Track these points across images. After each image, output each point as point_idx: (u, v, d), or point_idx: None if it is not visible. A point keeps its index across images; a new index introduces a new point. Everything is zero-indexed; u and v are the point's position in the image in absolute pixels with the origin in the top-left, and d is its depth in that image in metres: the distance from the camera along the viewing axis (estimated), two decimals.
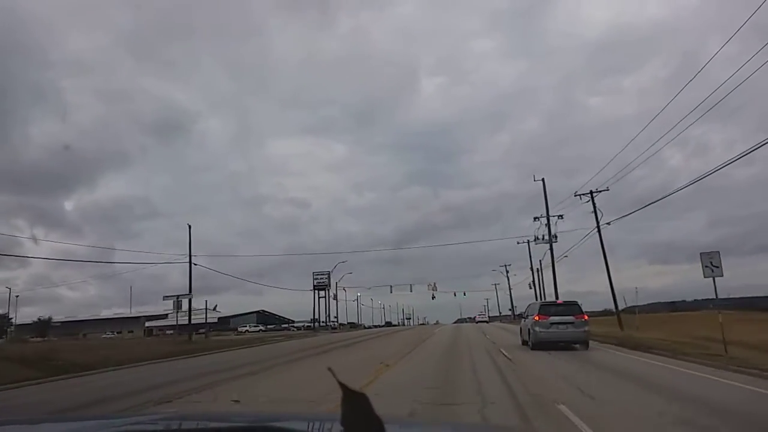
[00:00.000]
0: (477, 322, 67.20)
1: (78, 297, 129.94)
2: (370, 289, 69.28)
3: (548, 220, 32.59)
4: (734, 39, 13.95)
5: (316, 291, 65.86)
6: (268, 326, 72.64)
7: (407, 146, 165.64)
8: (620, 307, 29.15)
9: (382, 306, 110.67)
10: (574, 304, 15.91)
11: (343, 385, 0.67)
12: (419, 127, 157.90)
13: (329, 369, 0.81)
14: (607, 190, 27.40)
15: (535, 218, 33.97)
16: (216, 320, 73.49)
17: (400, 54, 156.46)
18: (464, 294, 76.78)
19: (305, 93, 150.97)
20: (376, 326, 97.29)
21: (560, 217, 32.73)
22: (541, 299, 35.07)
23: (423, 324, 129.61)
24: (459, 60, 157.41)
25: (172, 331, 67.29)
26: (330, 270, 64.26)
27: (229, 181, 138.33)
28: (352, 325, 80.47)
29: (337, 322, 72.04)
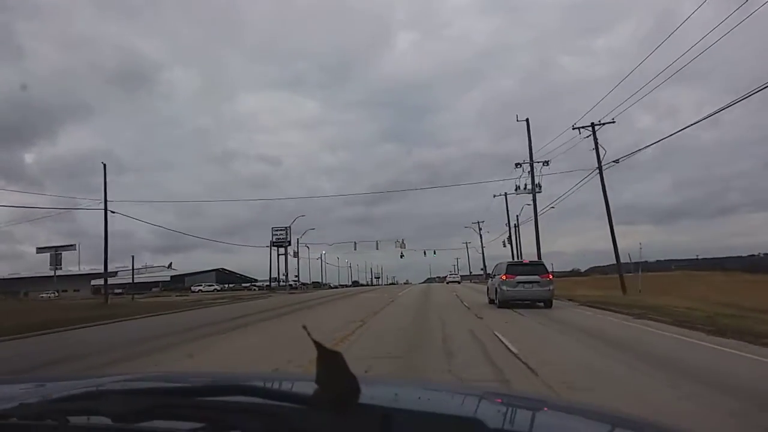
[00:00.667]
0: (447, 283, 64.36)
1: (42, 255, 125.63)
2: (332, 245, 66.67)
3: (531, 166, 28.91)
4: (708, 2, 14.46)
5: (275, 248, 63.23)
6: (228, 285, 72.20)
7: (380, 103, 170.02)
8: (567, 269, 31.65)
9: (349, 265, 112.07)
10: (540, 264, 17.03)
11: (318, 344, 0.69)
12: (392, 83, 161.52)
13: (303, 327, 0.83)
14: (613, 122, 23.98)
15: (517, 164, 30.29)
16: (168, 279, 72.66)
17: (374, 6, 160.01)
18: (434, 253, 76.58)
19: (275, 45, 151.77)
20: (343, 286, 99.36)
21: (546, 163, 29.32)
22: (517, 257, 36.68)
23: (392, 284, 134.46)
24: (433, 15, 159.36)
25: (121, 291, 66.43)
26: (289, 225, 61.86)
27: (195, 135, 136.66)
28: (316, 285, 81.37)
29: (298, 281, 70.46)
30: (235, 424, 0.75)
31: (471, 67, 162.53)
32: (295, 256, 66.67)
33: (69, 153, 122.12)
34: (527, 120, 29.04)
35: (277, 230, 63.33)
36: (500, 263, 18.83)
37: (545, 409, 1.25)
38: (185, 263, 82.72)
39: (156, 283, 71.74)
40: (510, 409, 1.16)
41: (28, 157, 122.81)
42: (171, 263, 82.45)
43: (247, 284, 77.88)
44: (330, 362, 0.70)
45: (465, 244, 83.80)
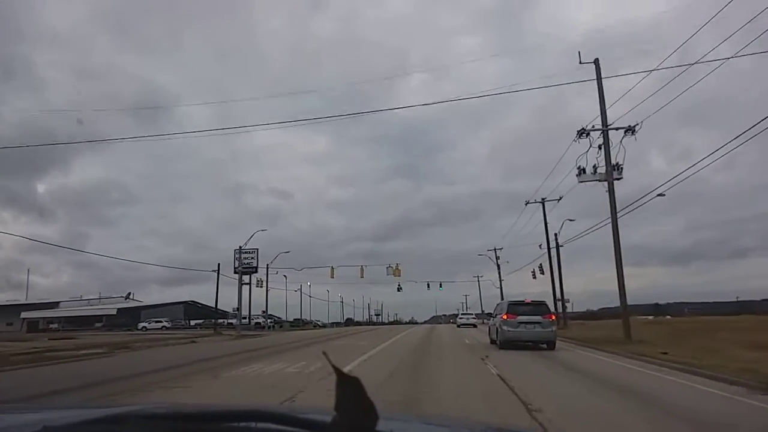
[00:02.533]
0: (459, 326, 49.83)
1: (47, 283, 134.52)
2: (301, 270, 62.31)
3: (606, 134, 20.56)
4: (725, 42, 16.37)
5: (241, 276, 54.66)
6: (191, 322, 71.55)
7: (389, 140, 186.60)
8: (578, 310, 33.48)
9: (341, 300, 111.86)
10: (542, 303, 18.58)
11: (337, 369, 0.79)
12: (402, 121, 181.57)
13: (324, 353, 0.93)
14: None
15: (582, 132, 21.23)
16: (115, 312, 70.77)
17: (386, 46, 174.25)
18: (440, 286, 69.28)
19: (288, 80, 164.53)
20: (335, 324, 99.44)
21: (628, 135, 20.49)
22: (559, 291, 37.08)
23: (395, 322, 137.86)
24: (443, 56, 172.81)
25: (56, 326, 65.00)
26: (257, 248, 55.55)
27: (208, 168, 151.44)
28: (295, 323, 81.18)
29: (266, 318, 63.66)
30: None
31: (481, 106, 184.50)
32: (259, 286, 60.15)
33: (79, 183, 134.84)
34: (596, 61, 20.89)
35: (244, 253, 55.27)
36: (501, 302, 20.41)
37: None
38: (179, 295, 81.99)
39: (99, 317, 70.24)
40: None
41: (39, 186, 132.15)
42: (130, 293, 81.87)
43: (222, 320, 77.81)
44: (348, 388, 0.78)
45: (476, 278, 79.24)
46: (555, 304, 36.42)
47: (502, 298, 66.44)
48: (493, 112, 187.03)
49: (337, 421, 0.77)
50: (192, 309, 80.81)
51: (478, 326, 48.03)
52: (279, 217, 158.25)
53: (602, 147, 20.80)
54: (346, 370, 0.77)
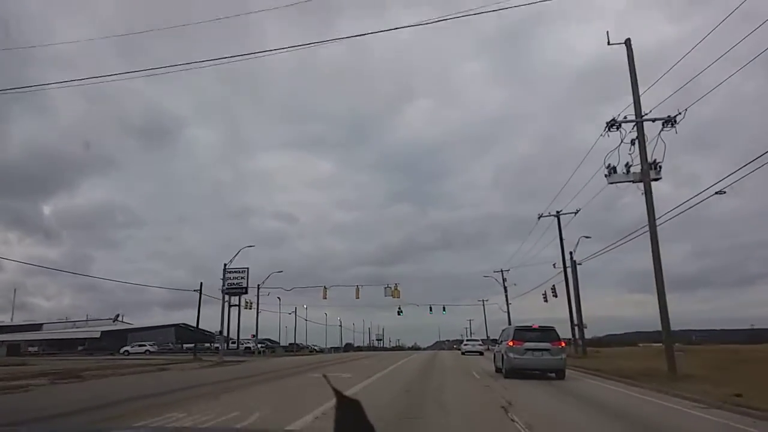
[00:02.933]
0: (464, 353, 47.29)
1: (49, 305, 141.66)
2: (291, 290, 59.94)
3: (640, 126, 17.87)
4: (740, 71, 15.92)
5: (228, 297, 52.78)
6: (182, 345, 70.52)
7: (393, 166, 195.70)
8: (587, 337, 32.73)
9: (340, 324, 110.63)
10: (551, 329, 17.98)
11: (337, 392, 0.81)
12: (406, 147, 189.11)
13: (324, 376, 0.96)
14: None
15: (612, 124, 18.29)
16: (98, 335, 69.45)
17: (389, 74, 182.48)
18: (443, 310, 67.93)
19: (294, 105, 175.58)
20: (334, 350, 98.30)
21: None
22: (576, 315, 34.47)
23: (397, 348, 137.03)
24: (447, 82, 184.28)
25: (35, 349, 63.71)
26: (247, 267, 53.58)
27: (213, 191, 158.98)
28: (290, 348, 80.00)
29: (256, 343, 61.75)
30: None
31: (484, 132, 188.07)
32: (247, 308, 58.28)
33: (86, 205, 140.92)
34: (628, 42, 18.65)
35: (231, 272, 52.59)
36: (507, 328, 19.81)
37: None
38: (181, 318, 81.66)
39: (82, 341, 68.82)
40: None
41: (46, 208, 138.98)
42: (118, 315, 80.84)
43: (210, 344, 76.69)
44: (349, 411, 0.80)
45: (481, 302, 77.26)
46: (572, 329, 34.47)
47: (509, 323, 61.40)
48: (498, 137, 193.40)
49: None
50: (184, 332, 79.52)
51: (485, 353, 44.82)
52: (284, 241, 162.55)
53: (635, 142, 17.89)
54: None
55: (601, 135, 18.87)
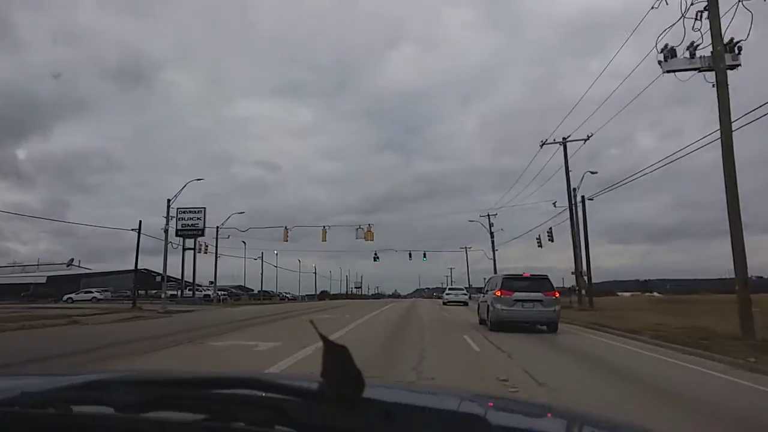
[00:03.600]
0: (445, 303, 45.30)
1: (26, 250, 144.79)
2: (246, 231, 54.78)
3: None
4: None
5: (182, 239, 50.63)
6: (141, 292, 68.54)
7: (377, 114, 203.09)
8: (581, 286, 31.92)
9: (315, 271, 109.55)
10: (544, 278, 16.71)
11: (324, 338, 0.82)
12: (391, 95, 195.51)
13: (311, 321, 0.98)
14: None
15: None
16: (44, 280, 67.03)
17: (375, 18, 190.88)
18: (423, 256, 64.64)
19: (277, 49, 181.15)
20: (308, 297, 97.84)
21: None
22: (585, 260, 32.06)
23: (377, 296, 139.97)
24: (434, 29, 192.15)
25: None
26: (204, 207, 49.58)
27: (193, 137, 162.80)
28: (260, 296, 79.22)
29: (215, 291, 56.46)
30: (240, 416, 0.87)
31: (471, 80, 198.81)
32: (202, 252, 53.14)
33: (61, 149, 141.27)
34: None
35: (186, 212, 48.59)
36: (494, 276, 18.50)
37: (548, 414, 1.51)
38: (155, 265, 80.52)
39: (28, 286, 66.35)
40: (512, 410, 1.45)
41: (20, 153, 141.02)
42: (72, 260, 78.32)
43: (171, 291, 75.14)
44: (336, 356, 0.81)
45: (464, 249, 75.53)
46: (577, 278, 32.51)
47: (495, 272, 59.24)
48: (485, 86, 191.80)
49: (324, 388, 0.82)
50: (146, 278, 77.65)
51: (469, 304, 41.82)
52: (265, 190, 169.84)
53: (703, 13, 13.29)
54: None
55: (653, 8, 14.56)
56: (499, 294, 16.32)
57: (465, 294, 47.52)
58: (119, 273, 79.23)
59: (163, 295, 36.55)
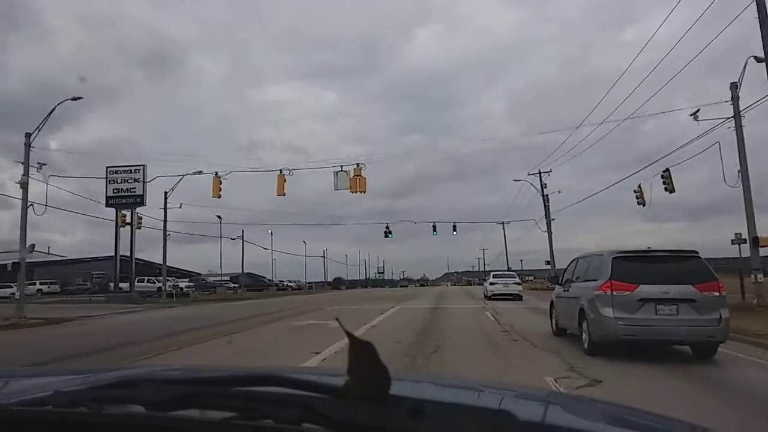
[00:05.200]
0: (490, 297, 32.97)
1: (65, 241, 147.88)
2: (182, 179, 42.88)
3: None
4: None
5: (117, 212, 42.07)
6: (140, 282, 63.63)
7: (401, 96, 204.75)
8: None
9: (324, 254, 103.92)
10: (692, 256, 10.01)
11: (350, 334, 0.88)
12: (415, 76, 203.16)
13: (336, 318, 1.15)
14: None
15: None
16: (9, 266, 62.28)
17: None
18: (453, 230, 56.61)
19: (301, 31, 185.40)
20: (313, 285, 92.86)
21: None
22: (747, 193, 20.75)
23: (404, 282, 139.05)
24: (458, 6, 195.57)
25: None
26: (143, 164, 41.25)
27: (220, 123, 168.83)
28: (259, 285, 73.38)
29: (164, 282, 46.06)
30: (267, 414, 0.94)
31: (497, 58, 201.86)
32: (130, 225, 42.36)
33: (91, 139, 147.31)
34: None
35: (118, 172, 40.68)
36: (588, 256, 11.69)
37: (588, 408, 1.58)
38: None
39: None
40: (540, 404, 1.47)
41: (51, 143, 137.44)
42: (34, 246, 73.14)
43: (191, 279, 69.46)
44: (362, 353, 0.87)
45: (501, 224, 71.34)
46: (753, 248, 20.73)
47: (552, 251, 48.62)
48: (511, 63, 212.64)
49: (350, 384, 0.88)
50: (127, 264, 72.31)
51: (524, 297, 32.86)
52: (292, 173, 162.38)
53: None
54: None
55: None
56: (607, 289, 9.63)
57: (518, 283, 34.43)
58: (94, 260, 74.36)
59: (17, 293, 25.49)
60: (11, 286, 54.33)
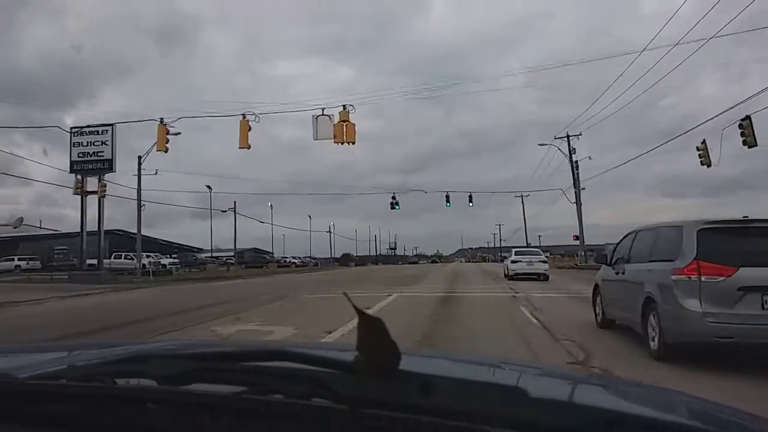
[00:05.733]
0: (512, 276, 29.50)
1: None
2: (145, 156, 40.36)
3: None
4: None
5: (77, 178, 37.91)
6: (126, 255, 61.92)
7: (418, 69, 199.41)
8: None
9: (331, 230, 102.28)
10: None
11: (358, 310, 0.89)
12: (430, 48, 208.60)
13: (345, 294, 1.11)
14: None
15: None
16: None
17: None
18: (470, 200, 53.01)
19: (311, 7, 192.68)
20: (317, 261, 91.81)
21: None
22: None
23: (416, 258, 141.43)
24: None
25: None
26: (108, 126, 37.16)
27: (230, 98, 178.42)
28: (258, 261, 71.36)
29: (138, 258, 43.09)
30: (277, 389, 0.96)
31: (507, 35, 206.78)
32: (95, 194, 38.42)
33: (107, 113, 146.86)
34: None
35: (82, 134, 36.92)
36: (665, 226, 9.09)
37: (594, 384, 1.70)
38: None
39: None
40: (556, 381, 1.55)
41: (67, 118, 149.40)
42: (22, 219, 71.37)
43: (152, 256, 67.78)
44: (371, 329, 0.89)
45: (520, 196, 73.64)
46: None
47: (581, 224, 46.15)
48: (527, 36, 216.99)
49: (359, 360, 0.90)
50: (121, 240, 70.41)
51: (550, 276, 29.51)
52: (306, 149, 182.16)
53: None
54: None
55: None
56: (693, 272, 7.18)
57: (543, 261, 30.42)
58: (90, 234, 72.40)
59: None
60: (12, 258, 53.39)
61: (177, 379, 0.99)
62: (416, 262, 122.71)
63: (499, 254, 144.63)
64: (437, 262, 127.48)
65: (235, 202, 68.19)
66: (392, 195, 52.42)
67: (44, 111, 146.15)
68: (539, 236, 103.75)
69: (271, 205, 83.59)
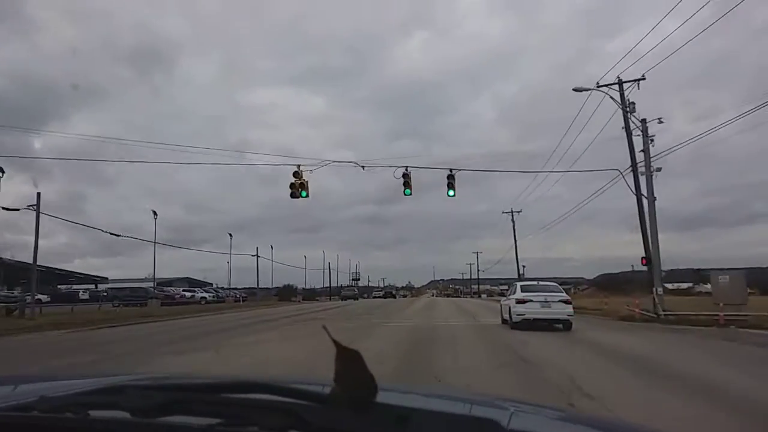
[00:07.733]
0: (515, 323, 23.10)
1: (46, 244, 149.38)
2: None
3: None
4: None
5: None
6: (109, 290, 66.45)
7: (388, 103, 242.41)
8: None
9: (272, 261, 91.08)
10: None
11: (337, 343, 1.00)
12: (404, 83, 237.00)
13: (324, 327, 1.22)
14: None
15: None
16: None
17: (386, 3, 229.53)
18: (451, 188, 28.20)
19: (292, 33, 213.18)
20: (240, 293, 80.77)
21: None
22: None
23: (389, 291, 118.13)
24: (445, 14, 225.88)
25: None
26: None
27: (207, 126, 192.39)
28: (127, 296, 60.43)
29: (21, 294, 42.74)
30: (253, 420, 1.06)
31: (486, 66, 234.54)
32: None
33: (77, 138, 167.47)
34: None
35: None
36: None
37: (568, 420, 1.84)
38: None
39: None
40: (526, 414, 1.68)
41: (35, 142, 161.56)
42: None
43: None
44: (348, 361, 1.00)
45: (510, 213, 73.74)
46: None
47: (655, 229, 28.70)
48: (500, 71, 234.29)
49: (336, 392, 1.02)
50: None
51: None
52: (281, 178, 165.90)
53: None
54: None
55: None
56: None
57: (566, 300, 23.62)
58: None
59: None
60: None
61: (152, 411, 1.05)
62: (354, 297, 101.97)
63: (474, 287, 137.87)
64: (392, 297, 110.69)
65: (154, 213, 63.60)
66: (403, 173, 33.89)
67: (10, 134, 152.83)
68: (523, 266, 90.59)
69: (230, 234, 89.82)
